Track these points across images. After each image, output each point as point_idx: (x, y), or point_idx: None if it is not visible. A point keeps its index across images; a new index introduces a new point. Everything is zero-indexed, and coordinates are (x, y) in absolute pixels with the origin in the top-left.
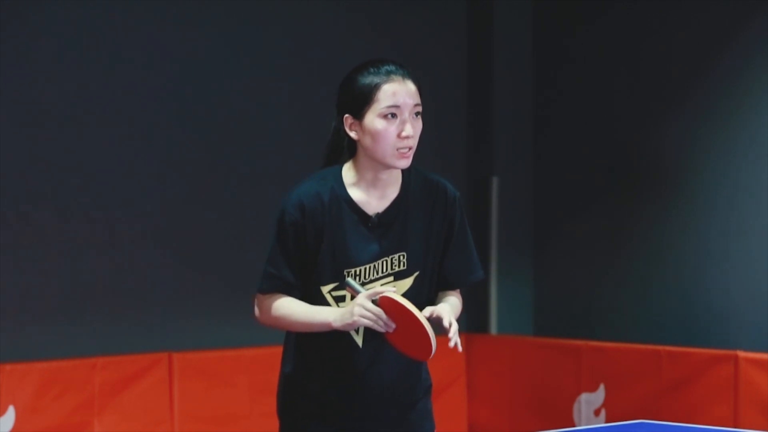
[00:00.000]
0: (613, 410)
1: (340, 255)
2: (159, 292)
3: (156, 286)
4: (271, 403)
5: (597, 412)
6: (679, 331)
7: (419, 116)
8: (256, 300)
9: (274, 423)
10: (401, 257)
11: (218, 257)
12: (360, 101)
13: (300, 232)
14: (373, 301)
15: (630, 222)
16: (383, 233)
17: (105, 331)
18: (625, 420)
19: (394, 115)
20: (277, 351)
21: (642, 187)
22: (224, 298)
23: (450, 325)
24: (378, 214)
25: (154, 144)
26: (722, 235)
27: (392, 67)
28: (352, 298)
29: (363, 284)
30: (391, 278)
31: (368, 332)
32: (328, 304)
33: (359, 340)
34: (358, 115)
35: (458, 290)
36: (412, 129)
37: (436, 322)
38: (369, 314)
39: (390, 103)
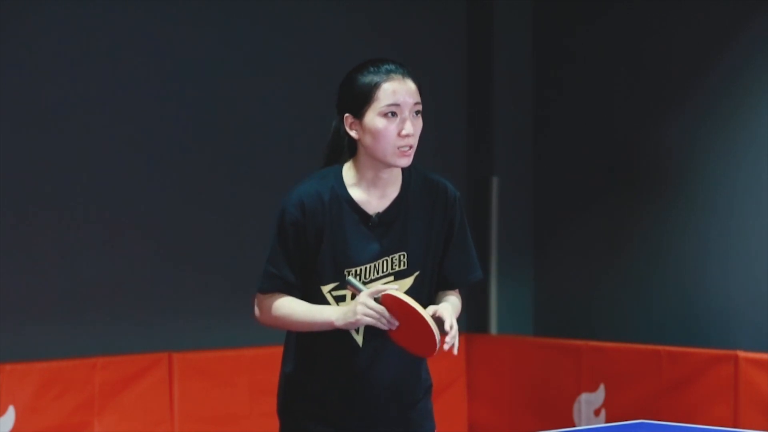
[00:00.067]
0: (613, 410)
1: (341, 254)
2: (159, 292)
3: (156, 286)
4: (271, 403)
5: (597, 412)
6: (679, 331)
7: (419, 115)
8: (256, 300)
9: (274, 423)
10: (401, 257)
11: (218, 257)
12: (360, 100)
13: (300, 232)
14: (376, 299)
15: (630, 222)
16: (384, 233)
17: (105, 331)
18: (625, 420)
19: (394, 114)
20: (277, 351)
21: (642, 187)
22: (224, 298)
23: (451, 328)
24: (378, 213)
25: (154, 144)
26: (722, 235)
27: (392, 66)
28: (353, 297)
29: (363, 284)
30: (392, 278)
31: (368, 332)
32: (328, 303)
33: (359, 339)
34: (359, 114)
35: (457, 290)
36: (413, 127)
37: (437, 322)
38: (372, 312)
39: (390, 101)
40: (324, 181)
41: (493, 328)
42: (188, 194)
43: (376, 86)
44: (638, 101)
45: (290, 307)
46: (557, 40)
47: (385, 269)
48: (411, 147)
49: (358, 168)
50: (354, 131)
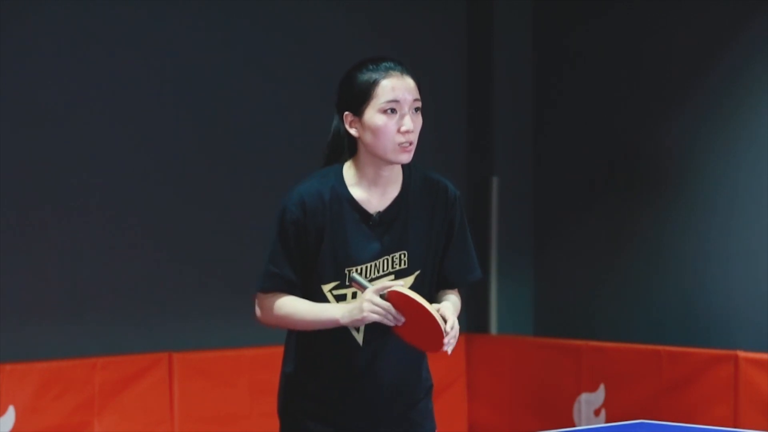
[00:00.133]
0: (613, 410)
1: (341, 253)
2: (159, 292)
3: (156, 286)
4: (271, 403)
5: (597, 412)
6: (679, 331)
7: (419, 112)
8: (257, 300)
9: (274, 423)
10: (402, 256)
11: (218, 257)
12: (359, 98)
13: (301, 231)
14: (381, 296)
15: (630, 222)
16: (384, 231)
17: (105, 331)
18: (625, 420)
19: (393, 111)
20: (278, 351)
21: (642, 187)
22: (224, 298)
23: (452, 328)
24: (379, 212)
25: (154, 144)
26: (722, 235)
27: (390, 64)
28: (354, 295)
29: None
30: (392, 277)
31: (369, 331)
32: (328, 302)
33: (360, 338)
34: (358, 111)
35: (457, 289)
36: (412, 124)
37: None
38: (378, 309)
39: (389, 98)
40: (324, 180)
41: (493, 328)
42: (188, 194)
43: (375, 83)
44: (638, 101)
45: (293, 306)
46: (557, 40)
47: (385, 268)
48: (411, 143)
49: (358, 167)
50: (354, 129)
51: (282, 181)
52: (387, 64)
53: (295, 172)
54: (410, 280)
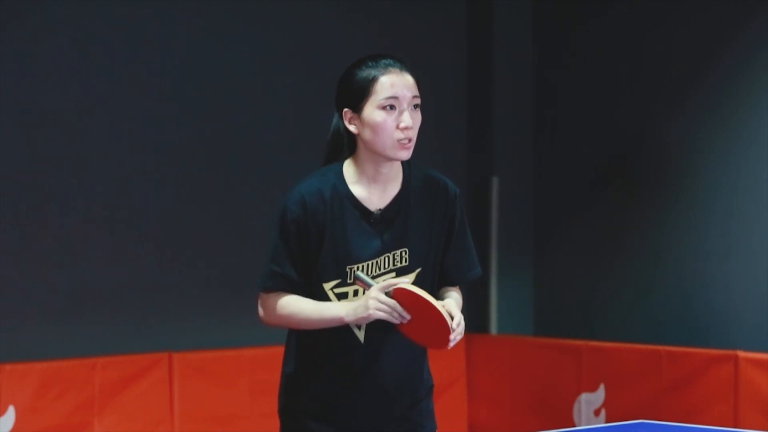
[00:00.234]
0: (613, 410)
1: (342, 251)
2: (159, 292)
3: (156, 286)
4: (271, 403)
5: (597, 412)
6: (679, 331)
7: (418, 109)
8: (259, 299)
9: (274, 423)
10: (403, 253)
11: (218, 257)
12: (359, 94)
13: (302, 229)
14: (386, 294)
15: (630, 222)
16: (385, 229)
17: (105, 331)
18: (625, 420)
19: (392, 107)
20: (278, 351)
21: (642, 187)
22: (224, 298)
23: (458, 325)
24: (380, 209)
25: (154, 144)
26: (722, 235)
27: (390, 60)
28: (356, 293)
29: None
30: (393, 274)
31: (371, 330)
32: (329, 301)
33: (361, 336)
34: (357, 108)
35: (458, 287)
36: (411, 120)
37: None
38: (384, 306)
39: (388, 94)
40: (325, 179)
41: (493, 328)
42: (188, 194)
43: (374, 80)
44: (638, 101)
45: (296, 305)
46: (557, 40)
47: (387, 266)
48: (410, 140)
49: (358, 164)
50: (353, 126)
51: (282, 180)
52: (386, 61)
53: (295, 171)
54: (411, 277)
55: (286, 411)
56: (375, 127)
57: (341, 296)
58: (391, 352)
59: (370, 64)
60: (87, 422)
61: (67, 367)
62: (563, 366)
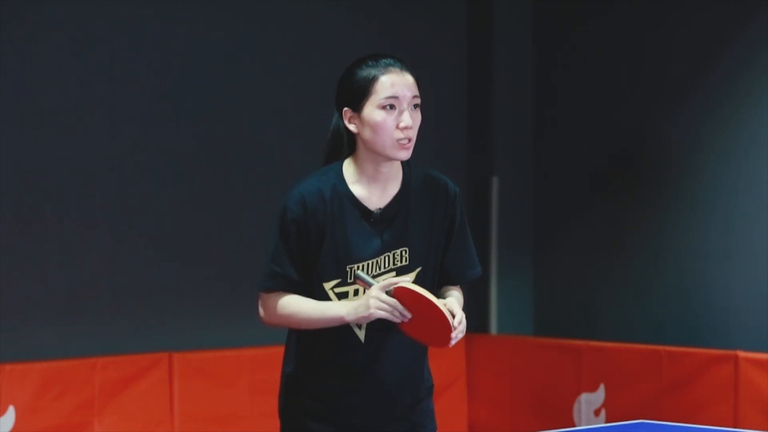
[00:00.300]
0: (613, 410)
1: (343, 251)
2: (159, 292)
3: (156, 286)
4: (271, 403)
5: (597, 412)
6: (679, 331)
7: (418, 109)
8: (260, 300)
9: (274, 423)
10: (403, 252)
11: (218, 257)
12: (359, 94)
13: (302, 229)
14: (387, 293)
15: (630, 222)
16: (385, 228)
17: (105, 331)
18: (625, 420)
19: (392, 107)
20: (278, 351)
21: (642, 187)
22: (224, 298)
23: (460, 323)
24: (380, 209)
25: (154, 144)
26: (722, 235)
27: (390, 60)
28: (356, 292)
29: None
30: (394, 273)
31: (371, 329)
32: (330, 301)
33: (362, 335)
34: (357, 107)
35: (459, 286)
36: (411, 120)
37: None
38: (385, 306)
39: (388, 94)
40: (324, 178)
41: (493, 328)
42: (188, 194)
43: (374, 79)
44: (638, 100)
45: (297, 305)
46: (557, 40)
47: (387, 265)
48: (410, 140)
49: (358, 164)
50: (353, 125)
51: (282, 180)
52: (386, 61)
53: (295, 171)
54: (411, 276)
55: (286, 411)
56: (375, 127)
57: (341, 296)
58: (391, 351)
59: (370, 63)
60: (87, 422)
61: (67, 367)
62: (563, 366)
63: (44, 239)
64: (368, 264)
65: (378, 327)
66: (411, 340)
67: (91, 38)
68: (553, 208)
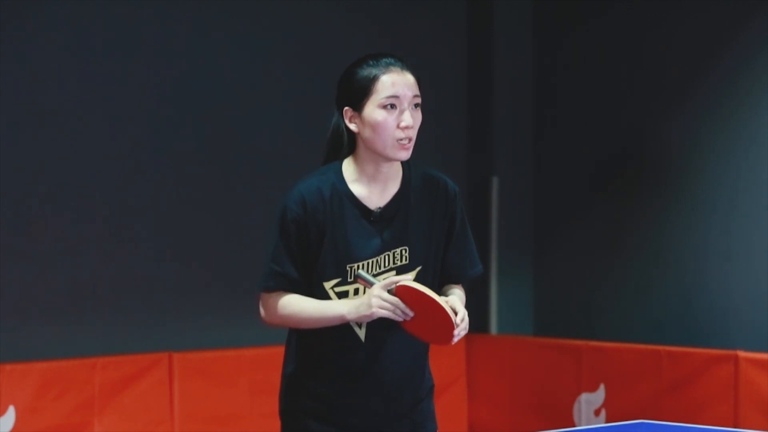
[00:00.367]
0: (613, 410)
1: (343, 250)
2: (159, 292)
3: (156, 286)
4: (271, 403)
5: (597, 412)
6: (679, 331)
7: (418, 108)
8: (260, 299)
9: (274, 423)
10: (403, 251)
11: (218, 257)
12: (359, 93)
13: (302, 229)
14: (389, 291)
15: (630, 222)
16: (385, 227)
17: (105, 331)
18: (625, 420)
19: (393, 106)
20: (278, 351)
21: (642, 187)
22: (224, 298)
23: (462, 320)
24: (380, 208)
25: (154, 144)
26: (722, 235)
27: (391, 59)
28: (356, 291)
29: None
30: (394, 272)
31: (371, 328)
32: (330, 299)
33: (362, 334)
34: (358, 106)
35: (460, 284)
36: (412, 120)
37: None
38: (386, 304)
39: (389, 93)
40: (324, 178)
41: (493, 328)
42: (188, 194)
43: (375, 78)
44: (638, 100)
45: (298, 305)
46: (557, 40)
47: (387, 264)
48: (410, 140)
49: (358, 163)
50: (353, 124)
51: (281, 180)
52: (387, 60)
53: (295, 171)
54: (411, 275)
55: (286, 411)
56: (375, 126)
57: (342, 295)
58: (392, 351)
59: (371, 62)
60: (87, 422)
61: (67, 367)
62: (563, 366)
63: (44, 239)
64: (368, 263)
65: (378, 326)
66: (412, 339)
67: (91, 38)
68: (553, 208)
